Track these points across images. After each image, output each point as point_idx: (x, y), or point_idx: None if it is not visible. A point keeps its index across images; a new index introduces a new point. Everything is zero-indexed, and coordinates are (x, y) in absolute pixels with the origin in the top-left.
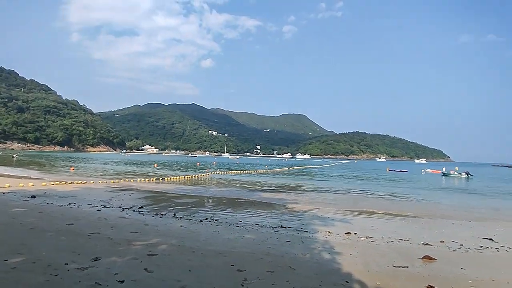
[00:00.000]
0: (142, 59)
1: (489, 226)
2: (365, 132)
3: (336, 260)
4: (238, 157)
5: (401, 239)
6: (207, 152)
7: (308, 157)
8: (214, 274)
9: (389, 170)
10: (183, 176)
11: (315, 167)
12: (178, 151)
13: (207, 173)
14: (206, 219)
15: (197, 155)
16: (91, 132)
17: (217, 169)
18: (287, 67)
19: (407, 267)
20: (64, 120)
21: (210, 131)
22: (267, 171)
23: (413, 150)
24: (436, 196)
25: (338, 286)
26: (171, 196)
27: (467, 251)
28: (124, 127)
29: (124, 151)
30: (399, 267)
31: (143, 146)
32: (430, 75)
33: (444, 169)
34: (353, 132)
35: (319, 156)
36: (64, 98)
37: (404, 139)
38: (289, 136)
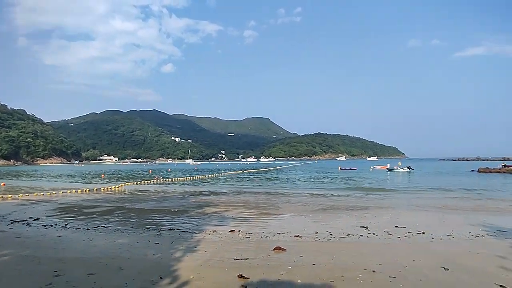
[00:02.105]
0: (99, 65)
1: (380, 215)
2: (326, 133)
3: (182, 258)
4: (199, 163)
5: (279, 233)
6: (170, 159)
7: (273, 159)
8: (25, 280)
9: (341, 169)
10: (122, 184)
11: (270, 169)
12: (139, 159)
13: (150, 181)
14: (98, 226)
15: (158, 163)
16: (41, 143)
17: (160, 177)
18: (249, 71)
19: (247, 259)
20: (10, 132)
21: (172, 138)
22: (219, 175)
23: (371, 149)
24: (354, 193)
25: (147, 282)
26: (84, 206)
27: (330, 239)
28: (80, 137)
29: (77, 162)
30: (238, 259)
31: (101, 156)
32: (383, 77)
33: (388, 165)
34: (315, 133)
35: (283, 158)
36: (9, 108)
37: (362, 138)
38: (254, 140)
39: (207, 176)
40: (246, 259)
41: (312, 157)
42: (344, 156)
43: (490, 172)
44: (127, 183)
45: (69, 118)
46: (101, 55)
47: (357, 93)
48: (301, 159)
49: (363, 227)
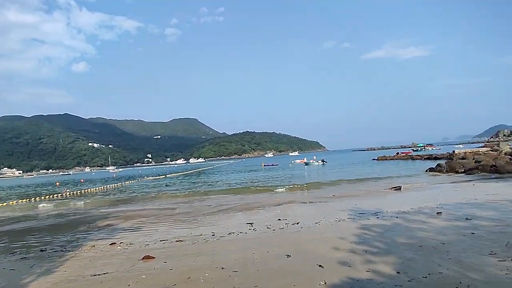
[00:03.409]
0: None
1: (272, 210)
2: (254, 131)
3: (30, 283)
4: (121, 169)
5: (162, 240)
6: (88, 167)
7: (203, 160)
8: None
9: (264, 165)
10: (14, 201)
11: (194, 172)
12: (50, 170)
13: (54, 196)
14: None
15: (72, 173)
16: None
17: (68, 189)
18: (174, 70)
19: (106, 273)
20: None
21: (90, 143)
22: (138, 181)
23: (296, 144)
24: (263, 190)
25: None
26: None
27: (208, 240)
28: None
29: None
30: (95, 275)
31: (0, 170)
32: (304, 75)
33: (305, 159)
34: (243, 132)
35: (214, 158)
36: None
37: (288, 135)
38: (182, 141)
39: (123, 183)
40: (105, 273)
41: (242, 155)
42: (271, 153)
43: (386, 159)
44: (21, 200)
45: None
46: None
47: (281, 91)
48: (231, 158)
49: (249, 223)
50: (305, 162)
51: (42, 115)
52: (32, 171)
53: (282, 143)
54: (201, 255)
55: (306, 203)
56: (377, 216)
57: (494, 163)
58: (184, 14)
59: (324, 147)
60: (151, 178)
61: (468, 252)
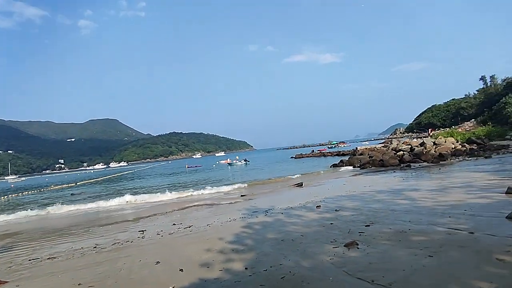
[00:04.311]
0: None
1: (173, 215)
2: (181, 132)
3: None
4: (23, 179)
5: (32, 259)
6: None
7: (125, 164)
8: None
9: (188, 167)
10: None
11: (110, 178)
12: None
13: None
14: None
15: None
16: None
17: None
18: (89, 66)
19: None
20: None
21: None
22: (41, 191)
23: (224, 144)
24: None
25: None
26: None
27: (85, 254)
28: None
29: None
30: None
31: None
32: (231, 76)
33: (228, 159)
34: (170, 133)
35: (138, 161)
36: None
37: (216, 135)
38: (101, 144)
39: (19, 195)
40: None
41: (169, 157)
42: (200, 154)
43: (303, 157)
44: None
45: None
46: None
47: (209, 91)
48: (157, 161)
49: (141, 231)
50: (228, 163)
51: None
52: None
53: (210, 143)
54: (67, 271)
55: (211, 205)
56: (266, 214)
57: (382, 157)
58: (100, 6)
59: (252, 146)
60: (58, 187)
61: (317, 242)
